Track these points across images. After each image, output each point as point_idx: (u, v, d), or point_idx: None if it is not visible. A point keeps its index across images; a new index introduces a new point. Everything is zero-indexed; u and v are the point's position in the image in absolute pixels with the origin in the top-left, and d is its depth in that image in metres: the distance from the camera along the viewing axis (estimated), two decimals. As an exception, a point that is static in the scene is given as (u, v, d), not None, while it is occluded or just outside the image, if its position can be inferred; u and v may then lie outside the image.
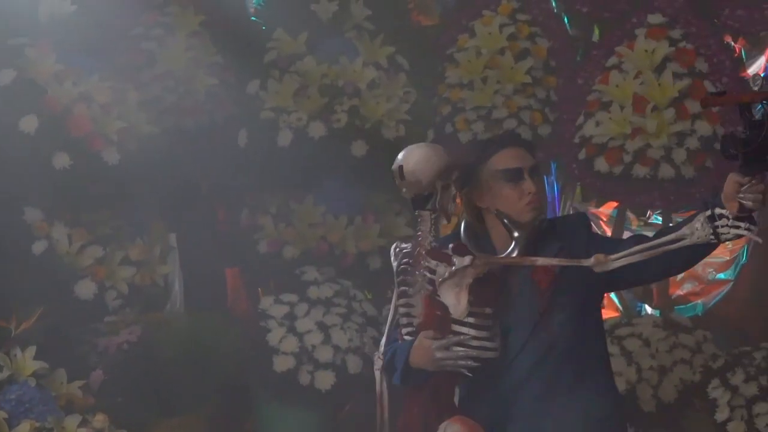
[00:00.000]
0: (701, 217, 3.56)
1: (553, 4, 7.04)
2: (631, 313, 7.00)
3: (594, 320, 4.08)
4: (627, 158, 6.19)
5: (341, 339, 6.19)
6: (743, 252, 7.19)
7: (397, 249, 4.00)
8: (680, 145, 6.13)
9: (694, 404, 5.91)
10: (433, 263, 3.79)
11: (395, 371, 3.91)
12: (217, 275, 7.02)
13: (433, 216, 3.87)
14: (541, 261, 3.78)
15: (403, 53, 6.89)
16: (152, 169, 6.05)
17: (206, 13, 6.74)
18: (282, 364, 6.09)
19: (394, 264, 3.97)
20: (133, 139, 5.92)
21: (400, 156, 3.91)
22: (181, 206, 6.69)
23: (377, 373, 4.11)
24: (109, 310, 5.93)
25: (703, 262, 6.93)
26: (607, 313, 6.95)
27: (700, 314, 7.11)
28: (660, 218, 6.77)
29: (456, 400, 3.92)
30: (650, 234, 4.02)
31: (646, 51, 6.29)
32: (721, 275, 7.27)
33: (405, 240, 4.17)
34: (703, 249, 3.71)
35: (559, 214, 6.77)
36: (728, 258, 7.24)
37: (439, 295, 3.76)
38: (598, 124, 6.34)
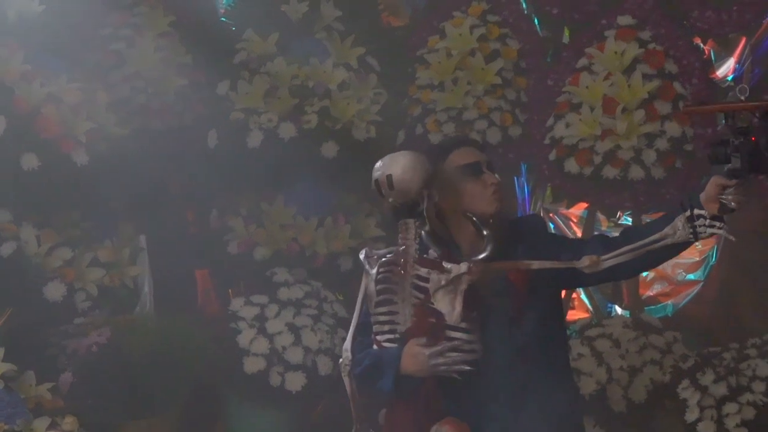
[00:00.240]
0: (682, 218, 3.74)
1: (524, 5, 7.06)
2: (601, 314, 7.03)
3: (559, 318, 4.22)
4: (597, 159, 6.20)
5: (312, 340, 6.18)
6: (713, 253, 7.22)
7: (373, 256, 4.01)
8: (650, 146, 6.15)
9: (664, 405, 5.93)
10: (423, 271, 3.84)
11: (383, 379, 3.90)
12: (187, 277, 7.00)
13: (416, 224, 3.88)
14: (536, 264, 3.88)
15: (373, 54, 6.90)
16: (121, 170, 6.03)
17: (176, 14, 6.73)
18: (252, 365, 6.07)
19: (372, 272, 3.96)
20: (102, 140, 5.90)
21: (381, 165, 3.88)
22: (151, 207, 6.66)
23: (346, 379, 4.09)
24: (79, 312, 5.90)
25: (672, 262, 7.10)
26: (577, 314, 7.01)
27: (670, 315, 7.15)
28: (630, 219, 6.80)
29: None
30: (615, 233, 4.13)
31: (615, 52, 6.31)
32: (691, 276, 7.30)
33: (374, 242, 4.17)
34: (679, 247, 3.84)
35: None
36: (698, 259, 7.27)
37: (432, 303, 3.81)
38: (568, 125, 6.36)
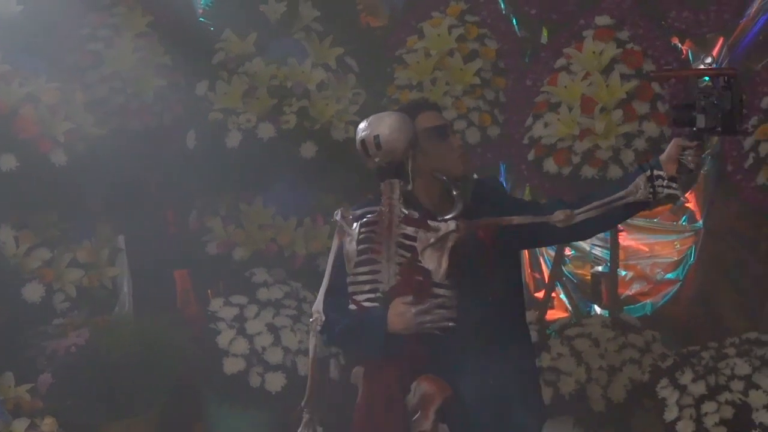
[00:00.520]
0: (643, 177, 3.99)
1: (502, 5, 7.07)
2: (580, 314, 7.05)
3: (519, 276, 4.40)
4: (575, 159, 6.21)
5: (291, 341, 6.17)
6: (691, 252, 7.25)
7: (349, 216, 4.10)
8: (628, 146, 6.16)
9: (643, 404, 5.95)
10: (410, 230, 3.95)
11: (369, 338, 3.98)
12: (166, 277, 7.00)
13: (401, 184, 3.98)
14: (517, 220, 4.02)
15: (352, 54, 6.89)
16: (100, 171, 6.01)
17: (154, 14, 6.72)
18: (232, 366, 6.06)
19: (352, 231, 4.05)
20: (80, 140, 5.88)
21: (367, 126, 4.02)
22: (130, 208, 6.64)
23: (313, 339, 4.24)
24: (57, 313, 5.87)
25: (651, 262, 7.08)
26: (556, 314, 7.03)
27: (648, 314, 7.18)
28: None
29: None
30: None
31: (594, 52, 6.32)
32: (670, 275, 7.33)
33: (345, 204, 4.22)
34: (639, 206, 4.08)
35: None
36: (676, 258, 7.30)
37: (420, 261, 3.89)
38: (546, 125, 6.37)
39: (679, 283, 7.30)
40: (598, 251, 7.49)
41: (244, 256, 6.58)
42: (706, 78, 6.71)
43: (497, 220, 4.04)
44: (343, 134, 6.46)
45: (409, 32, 6.98)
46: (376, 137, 3.96)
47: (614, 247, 6.63)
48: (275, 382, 6.06)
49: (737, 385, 5.38)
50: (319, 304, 4.21)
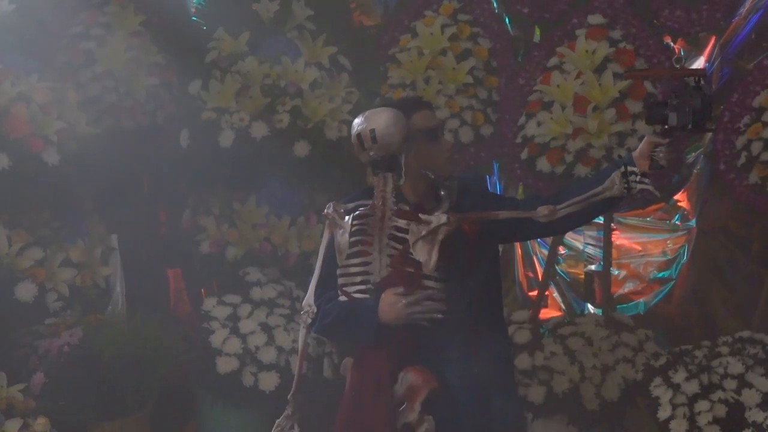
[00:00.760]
0: (617, 174, 4.20)
1: (494, 4, 7.07)
2: (573, 313, 7.06)
3: (498, 268, 4.52)
4: (569, 158, 6.21)
5: (285, 340, 6.17)
6: (684, 251, 7.26)
7: (340, 209, 4.21)
8: (621, 145, 6.15)
9: (636, 402, 5.96)
10: (402, 222, 4.07)
11: (361, 329, 4.10)
12: (159, 276, 7.00)
13: (394, 178, 4.10)
14: (503, 215, 4.18)
15: (345, 53, 6.89)
16: (93, 170, 5.99)
17: (147, 13, 6.70)
18: (225, 365, 6.06)
19: (344, 223, 4.15)
20: (73, 139, 5.86)
21: (363, 120, 4.12)
22: (122, 207, 6.63)
23: (303, 331, 4.35)
24: (50, 312, 5.85)
25: (644, 261, 7.09)
26: (550, 313, 7.04)
27: (642, 313, 7.19)
28: (602, 218, 6.80)
29: None
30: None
31: (586, 51, 6.32)
32: (662, 274, 7.34)
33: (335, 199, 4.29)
34: (615, 201, 4.28)
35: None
36: (669, 257, 7.31)
37: (411, 253, 4.00)
38: (539, 124, 6.36)
39: (671, 282, 7.31)
40: (591, 250, 7.50)
41: (238, 255, 6.58)
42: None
43: (484, 214, 4.18)
44: (336, 133, 6.45)
45: (402, 31, 6.98)
46: (372, 131, 4.06)
47: (607, 246, 6.63)
48: (269, 381, 6.06)
49: (730, 384, 5.38)
50: (310, 297, 4.32)
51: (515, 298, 7.52)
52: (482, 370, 4.25)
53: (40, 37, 6.39)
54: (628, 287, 7.45)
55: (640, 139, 6.12)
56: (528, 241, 7.60)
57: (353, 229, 4.13)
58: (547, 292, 7.24)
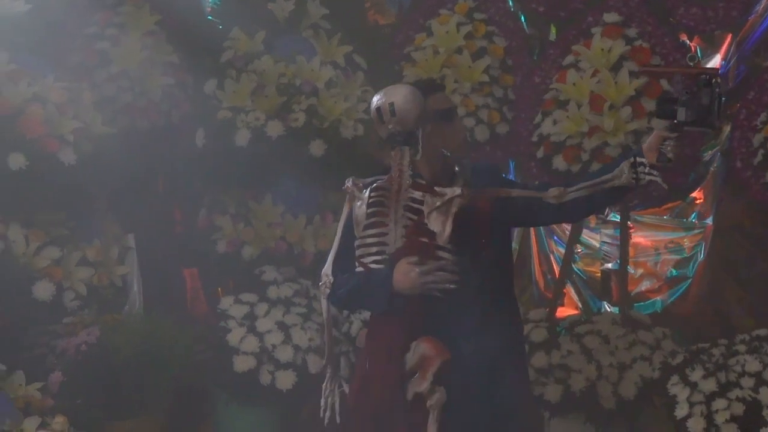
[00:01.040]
0: (627, 163, 4.30)
1: (510, 3, 7.07)
2: (590, 311, 7.05)
3: (509, 249, 4.69)
4: (585, 156, 6.20)
5: (301, 339, 6.18)
6: (700, 249, 7.24)
7: (359, 183, 4.36)
8: (637, 143, 6.11)
9: (653, 401, 5.95)
10: (418, 194, 4.17)
11: (374, 297, 4.23)
12: (176, 276, 7.01)
13: (411, 152, 4.17)
14: (515, 192, 4.35)
15: (360, 52, 6.89)
16: (109, 170, 6.00)
17: (162, 12, 6.71)
18: (242, 364, 6.07)
19: (363, 196, 4.28)
20: (88, 139, 5.87)
21: (383, 94, 4.22)
22: (139, 206, 6.66)
23: (324, 302, 4.50)
24: (67, 312, 5.87)
25: (661, 259, 7.07)
26: (566, 311, 7.02)
27: (659, 311, 7.16)
28: (618, 216, 6.80)
29: None
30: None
31: (602, 49, 6.31)
32: (679, 272, 7.32)
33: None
34: (623, 190, 4.38)
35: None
36: (686, 255, 7.29)
37: (426, 223, 4.12)
38: (555, 122, 6.35)
39: (688, 281, 7.29)
40: (607, 248, 7.49)
41: (254, 254, 6.58)
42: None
43: (497, 190, 4.35)
44: (351, 132, 6.46)
45: (417, 30, 6.98)
46: (392, 104, 4.15)
47: (624, 244, 6.62)
48: (286, 380, 6.07)
49: (748, 382, 5.36)
50: (328, 267, 4.46)
51: (532, 296, 7.51)
52: (494, 344, 4.35)
53: (55, 37, 6.41)
54: (644, 285, 7.42)
55: (656, 137, 6.18)
56: (544, 240, 7.59)
57: (370, 200, 4.25)
58: (563, 291, 7.23)
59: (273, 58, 6.60)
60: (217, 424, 6.46)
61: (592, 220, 7.28)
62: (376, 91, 6.45)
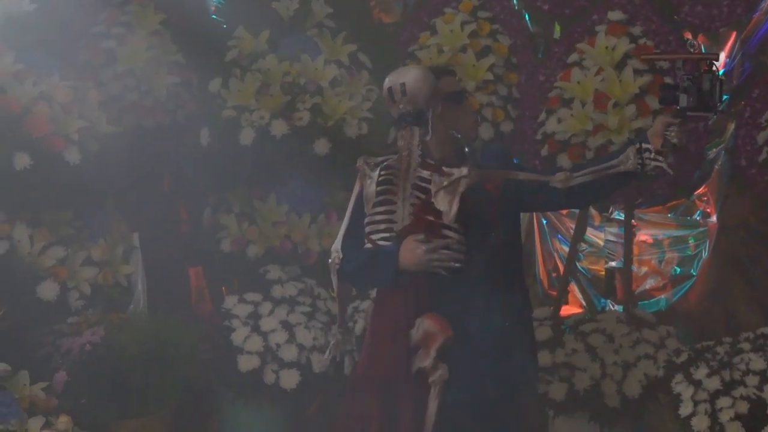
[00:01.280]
0: (632, 149, 4.43)
1: (514, 1, 7.06)
2: (594, 310, 7.05)
3: (518, 234, 4.83)
4: (589, 155, 6.18)
5: (306, 338, 6.18)
6: (704, 247, 7.24)
7: (371, 162, 4.49)
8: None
9: (658, 399, 5.94)
10: (426, 173, 4.32)
11: (381, 272, 4.35)
12: (181, 275, 7.02)
13: (421, 132, 4.32)
14: (522, 175, 4.48)
15: (364, 51, 6.88)
16: (114, 169, 5.99)
17: (167, 12, 6.71)
18: (246, 363, 6.08)
19: (373, 174, 4.42)
20: (94, 138, 5.87)
21: (394, 74, 4.40)
22: (144, 206, 6.66)
23: (334, 278, 4.61)
24: (72, 311, 5.88)
25: (665, 258, 7.05)
26: (571, 309, 7.03)
27: (663, 309, 7.17)
28: (622, 214, 6.81)
29: None
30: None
31: (606, 48, 6.30)
32: (684, 270, 7.32)
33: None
34: (629, 176, 4.49)
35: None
36: (690, 253, 7.29)
37: (433, 202, 4.27)
38: (559, 120, 6.34)
39: (693, 279, 7.29)
40: (612, 247, 7.49)
41: (258, 253, 6.59)
42: (720, 72, 6.88)
43: (504, 172, 4.47)
44: (356, 131, 6.45)
45: (421, 28, 6.97)
46: (402, 84, 4.32)
47: (628, 242, 6.61)
48: (290, 379, 6.08)
49: (752, 380, 5.35)
50: (338, 243, 4.57)
51: (536, 294, 7.51)
52: (500, 323, 4.48)
53: (61, 36, 6.41)
54: (649, 284, 7.44)
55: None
56: (549, 239, 7.61)
57: (380, 179, 4.39)
58: (568, 289, 7.24)
59: (277, 57, 6.60)
60: (223, 424, 6.46)
61: (597, 219, 7.30)
62: (380, 90, 6.54)
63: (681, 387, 5.54)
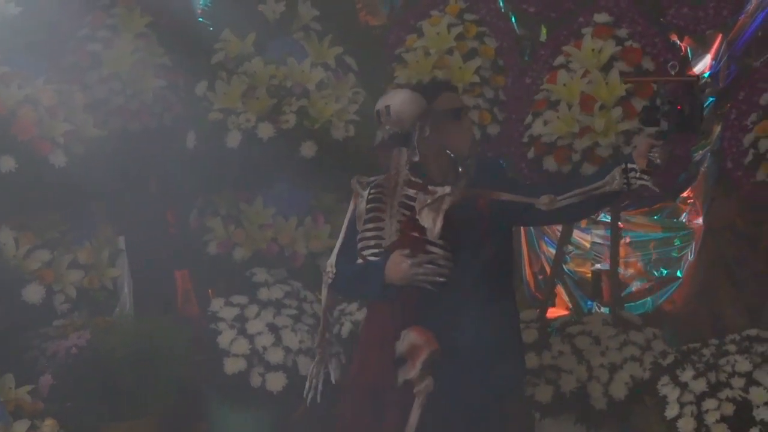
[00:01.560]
0: (618, 170, 4.51)
1: (501, 3, 7.06)
2: (581, 312, 7.05)
3: (509, 248, 4.93)
4: (575, 157, 6.19)
5: (292, 340, 6.18)
6: (691, 249, 7.25)
7: (363, 181, 4.65)
8: (627, 143, 6.12)
9: (644, 401, 5.94)
10: (412, 192, 4.45)
11: (369, 285, 4.48)
12: (167, 278, 7.01)
13: (408, 152, 4.44)
14: (505, 196, 4.53)
15: (351, 54, 6.88)
16: (100, 172, 5.98)
17: (153, 15, 6.71)
18: (233, 366, 6.07)
19: (364, 193, 4.59)
20: (79, 141, 5.86)
21: (383, 98, 4.54)
22: (130, 209, 6.65)
23: (325, 290, 4.72)
24: (58, 314, 5.86)
25: (652, 259, 7.06)
26: (557, 312, 7.04)
27: (649, 311, 7.17)
28: (609, 216, 6.81)
29: None
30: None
31: (593, 50, 6.30)
32: (670, 272, 7.33)
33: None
34: (615, 195, 4.60)
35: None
36: (677, 255, 7.30)
37: (418, 219, 4.37)
38: (546, 123, 6.33)
39: (679, 281, 7.30)
40: (598, 249, 7.50)
41: (245, 255, 6.59)
42: (706, 75, 6.90)
43: (488, 192, 4.54)
44: (343, 133, 6.45)
45: (408, 31, 6.97)
46: (387, 107, 4.45)
47: (615, 244, 6.62)
48: (276, 382, 6.07)
49: (738, 382, 5.36)
50: (332, 258, 4.68)
51: (523, 297, 7.50)
52: (488, 336, 4.57)
53: (47, 39, 6.41)
54: (635, 286, 7.44)
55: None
56: (535, 241, 7.62)
57: (370, 197, 4.55)
58: (554, 291, 7.24)
59: (264, 59, 6.59)
60: (211, 427, 6.45)
61: (583, 221, 7.29)
62: (366, 93, 6.56)
63: (667, 389, 5.54)
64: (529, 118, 6.48)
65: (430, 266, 4.38)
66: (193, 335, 6.22)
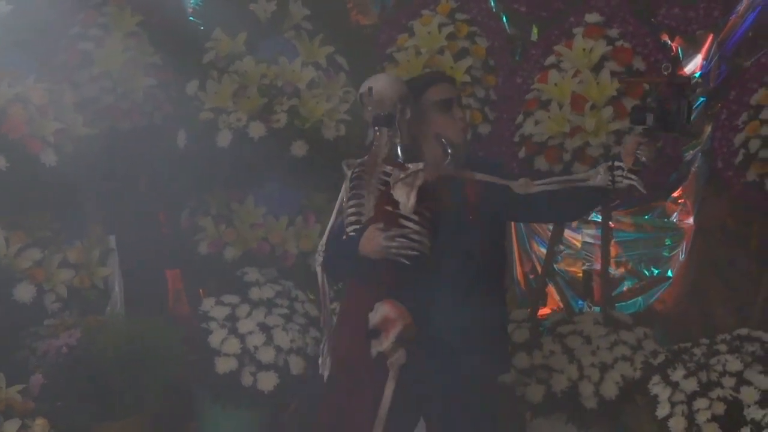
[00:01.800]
0: (604, 166, 4.60)
1: (492, 3, 7.08)
2: (572, 311, 7.05)
3: (502, 242, 5.10)
4: (566, 157, 6.20)
5: (283, 340, 6.17)
6: (682, 249, 7.26)
7: (351, 163, 4.70)
8: (619, 143, 6.12)
9: (635, 400, 5.95)
10: (389, 168, 4.48)
11: (346, 260, 4.52)
12: (158, 277, 6.99)
13: (389, 133, 4.52)
14: (479, 176, 4.70)
15: (342, 53, 6.87)
16: (90, 171, 5.98)
17: (144, 13, 6.70)
18: (224, 365, 6.06)
19: (348, 172, 4.64)
20: (70, 140, 5.84)
21: (366, 81, 4.59)
22: (121, 208, 6.64)
23: (318, 269, 4.79)
24: (49, 314, 5.83)
25: (642, 259, 7.07)
26: (548, 311, 7.02)
27: (640, 311, 7.18)
28: (599, 216, 6.81)
29: None
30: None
31: (584, 50, 6.31)
32: (661, 272, 7.34)
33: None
34: (599, 192, 4.63)
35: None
36: (668, 255, 7.31)
37: (392, 193, 4.42)
38: (537, 122, 6.35)
39: (669, 280, 7.31)
40: (589, 248, 7.50)
41: (236, 255, 6.58)
42: (697, 74, 6.91)
43: (461, 172, 4.72)
44: (334, 133, 6.44)
45: (399, 30, 6.98)
46: (370, 89, 4.53)
47: (606, 244, 6.63)
48: (267, 381, 6.06)
49: (729, 382, 5.37)
50: (323, 238, 4.77)
51: (514, 296, 7.52)
52: (468, 325, 4.67)
53: (38, 37, 6.38)
54: (626, 285, 7.46)
55: (638, 136, 6.19)
56: (526, 241, 7.62)
57: (353, 175, 4.61)
58: (545, 291, 7.24)
59: (255, 59, 6.58)
60: (203, 426, 6.44)
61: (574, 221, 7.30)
62: (357, 91, 6.55)
63: (658, 388, 5.56)
64: (520, 118, 6.50)
65: (403, 239, 4.38)
66: (185, 335, 6.20)
